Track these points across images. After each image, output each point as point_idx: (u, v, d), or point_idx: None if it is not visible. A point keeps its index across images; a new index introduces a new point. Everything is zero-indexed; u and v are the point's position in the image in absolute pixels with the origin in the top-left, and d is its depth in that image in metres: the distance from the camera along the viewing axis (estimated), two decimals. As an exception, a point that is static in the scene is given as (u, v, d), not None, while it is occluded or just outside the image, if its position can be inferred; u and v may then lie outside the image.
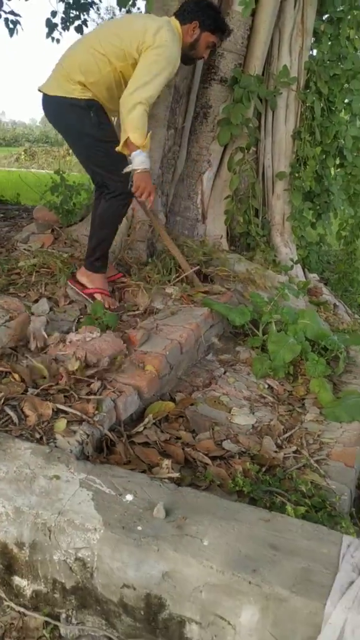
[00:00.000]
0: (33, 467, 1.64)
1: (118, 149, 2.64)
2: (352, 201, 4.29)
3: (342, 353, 2.86)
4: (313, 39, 3.78)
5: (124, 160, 2.65)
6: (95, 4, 8.07)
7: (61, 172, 3.75)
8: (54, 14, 7.09)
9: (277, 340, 2.67)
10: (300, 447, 2.14)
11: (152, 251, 3.38)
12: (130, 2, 4.94)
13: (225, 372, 2.74)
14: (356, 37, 3.82)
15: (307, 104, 3.68)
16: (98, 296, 2.79)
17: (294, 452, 2.11)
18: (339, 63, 3.78)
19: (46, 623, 1.55)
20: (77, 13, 7.60)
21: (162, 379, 2.37)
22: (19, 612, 1.58)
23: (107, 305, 2.73)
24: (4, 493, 1.55)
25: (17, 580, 1.59)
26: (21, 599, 1.60)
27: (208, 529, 1.46)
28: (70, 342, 2.33)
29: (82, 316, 2.72)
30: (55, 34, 7.20)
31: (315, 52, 3.79)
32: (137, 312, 2.84)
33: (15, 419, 1.86)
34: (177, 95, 3.31)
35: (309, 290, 3.80)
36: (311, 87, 3.69)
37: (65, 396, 2.02)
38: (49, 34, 7.14)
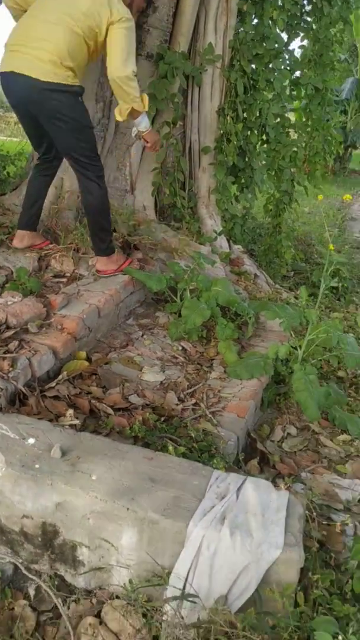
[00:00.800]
0: None
1: (120, 119, 2.83)
2: (277, 176, 4.51)
3: (250, 318, 3.09)
4: (238, 19, 3.91)
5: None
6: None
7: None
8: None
9: (190, 306, 2.88)
10: (200, 401, 2.38)
11: (80, 220, 3.51)
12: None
13: (142, 335, 2.94)
14: (279, 18, 3.97)
15: (231, 82, 3.83)
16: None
17: (194, 404, 2.34)
18: (263, 42, 3.94)
19: None
20: None
21: (79, 341, 2.55)
22: None
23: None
24: None
25: None
26: None
27: (97, 466, 1.67)
28: (-8, 305, 2.48)
29: (7, 282, 2.85)
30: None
31: (239, 31, 3.92)
32: (61, 279, 2.99)
33: None
34: (105, 69, 3.40)
35: (231, 261, 4.02)
36: (235, 65, 3.84)
37: (-18, 355, 2.18)
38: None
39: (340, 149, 13.89)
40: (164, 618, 1.42)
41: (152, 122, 3.80)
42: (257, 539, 1.46)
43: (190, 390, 2.47)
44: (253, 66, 3.89)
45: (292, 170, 4.46)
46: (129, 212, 3.71)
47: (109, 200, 2.98)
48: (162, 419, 2.17)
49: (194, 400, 2.38)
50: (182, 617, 1.39)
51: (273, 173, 4.45)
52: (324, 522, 1.89)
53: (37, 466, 1.65)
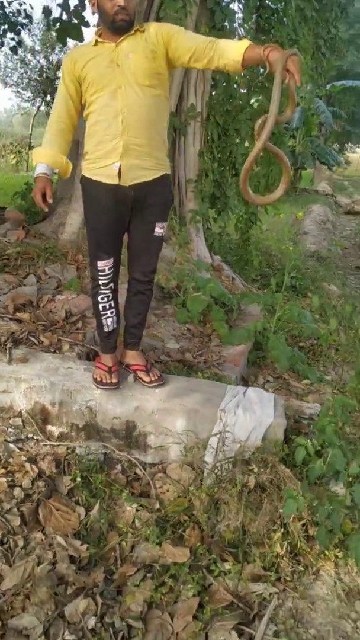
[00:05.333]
0: (55, 364, 2.76)
1: None
2: (244, 201, 5.57)
3: (235, 306, 4.12)
4: (212, 83, 4.98)
5: None
6: (26, 25, 8.76)
7: (29, 181, 4.77)
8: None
9: (193, 298, 3.89)
10: (207, 358, 3.38)
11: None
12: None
13: (158, 321, 3.93)
14: (241, 81, 5.06)
15: (208, 131, 4.89)
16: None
17: (204, 360, 3.34)
18: (230, 100, 5.01)
19: (67, 449, 2.68)
20: (6, 27, 8.08)
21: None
22: (51, 445, 2.70)
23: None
24: (43, 375, 2.66)
25: (49, 427, 2.70)
26: (51, 439, 2.71)
27: (165, 384, 2.65)
28: (57, 300, 3.44)
29: (58, 287, 3.80)
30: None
31: (213, 93, 5.00)
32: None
33: (37, 342, 2.96)
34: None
35: (214, 268, 5.04)
36: (211, 119, 4.90)
37: (62, 332, 3.14)
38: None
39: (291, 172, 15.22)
40: (205, 459, 2.40)
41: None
42: (258, 413, 2.47)
43: (199, 352, 3.47)
44: (225, 119, 4.96)
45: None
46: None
47: None
48: (185, 367, 3.16)
49: (203, 358, 3.38)
50: (222, 451, 2.37)
51: (241, 199, 5.51)
52: (295, 421, 2.90)
53: (121, 387, 2.63)
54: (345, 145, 26.39)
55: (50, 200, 2.38)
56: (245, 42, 2.15)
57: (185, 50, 2.23)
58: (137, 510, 2.36)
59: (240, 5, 5.14)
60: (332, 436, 2.40)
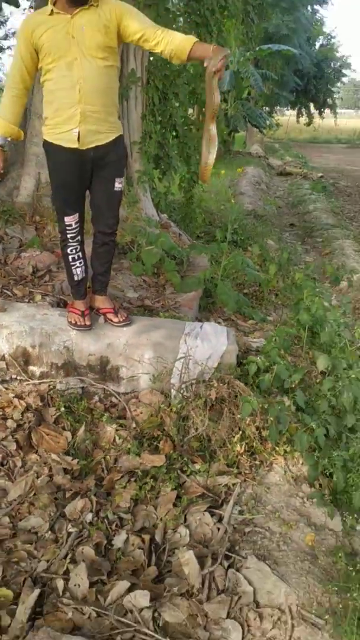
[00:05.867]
0: (31, 312, 3.04)
1: None
2: (186, 161, 5.88)
3: (185, 258, 4.48)
4: (150, 49, 5.18)
5: None
6: None
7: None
8: None
9: (147, 251, 4.21)
10: (164, 303, 3.74)
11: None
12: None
13: (116, 274, 4.23)
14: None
15: (149, 96, 5.13)
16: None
17: (161, 305, 3.70)
18: (168, 65, 5.25)
19: (49, 386, 2.99)
20: None
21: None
22: (34, 384, 3.00)
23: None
24: (22, 322, 2.94)
25: (31, 368, 2.99)
26: (34, 378, 3.01)
27: (132, 324, 2.99)
28: (23, 257, 3.68)
29: (21, 246, 4.02)
30: None
31: (151, 59, 5.22)
32: (56, 241, 4.21)
33: (11, 295, 3.22)
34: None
35: (162, 225, 5.36)
36: (151, 83, 5.13)
37: (32, 285, 3.41)
38: None
39: (225, 134, 15.44)
40: (172, 381, 2.79)
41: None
42: (213, 342, 2.87)
43: (156, 299, 3.82)
44: (163, 83, 5.20)
45: (196, 157, 5.86)
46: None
47: None
48: (146, 311, 3.51)
49: (160, 304, 3.74)
50: (186, 373, 2.76)
51: (183, 159, 5.82)
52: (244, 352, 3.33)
53: (93, 328, 2.95)
54: (275, 108, 26.91)
55: (1, 170, 2.65)
56: (193, 38, 2.44)
57: (135, 29, 2.47)
58: (116, 430, 2.73)
59: (173, -27, 5.33)
60: (277, 357, 2.84)
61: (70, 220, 2.81)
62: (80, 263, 2.96)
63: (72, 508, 2.33)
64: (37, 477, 2.47)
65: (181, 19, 5.65)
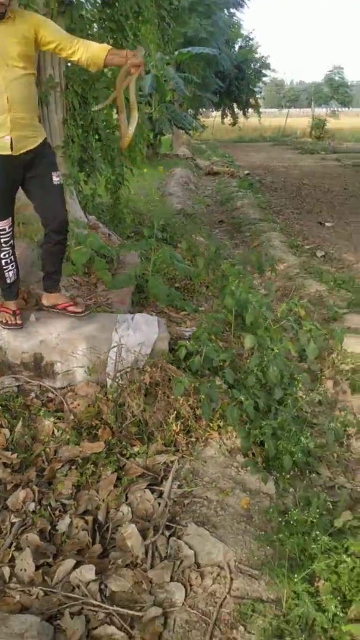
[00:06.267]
0: None
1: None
2: (110, 163, 5.97)
3: (114, 257, 4.57)
4: (66, 53, 5.25)
5: None
6: None
7: None
8: None
9: (76, 251, 4.27)
10: (97, 300, 3.81)
11: None
12: None
13: (46, 276, 4.27)
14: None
15: (69, 100, 5.19)
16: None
17: (94, 302, 3.77)
18: (86, 70, 5.32)
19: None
20: None
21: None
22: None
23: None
24: None
25: (-36, 371, 3.01)
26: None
27: (57, 321, 3.06)
28: None
29: None
30: None
31: (69, 64, 5.28)
32: None
33: None
34: None
35: (90, 226, 5.42)
36: (70, 88, 5.19)
37: None
38: None
39: (150, 138, 15.56)
40: (107, 370, 2.88)
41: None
42: (145, 330, 2.98)
43: (88, 297, 3.89)
44: (83, 87, 5.27)
45: (120, 159, 5.96)
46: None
47: None
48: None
49: (93, 301, 3.81)
50: (120, 362, 2.86)
51: (107, 162, 5.90)
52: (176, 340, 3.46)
53: (25, 326, 3.00)
54: (200, 110, 27.36)
55: None
56: (107, 46, 2.66)
57: (52, 39, 2.64)
58: (55, 423, 2.79)
59: (85, -21, 5.40)
60: (206, 340, 2.99)
61: (4, 224, 2.88)
62: (12, 266, 3.02)
63: (14, 499, 2.38)
64: (-23, 474, 2.50)
65: (95, 25, 5.73)
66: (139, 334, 2.97)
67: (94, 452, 2.61)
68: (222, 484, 2.50)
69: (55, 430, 2.76)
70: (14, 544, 2.17)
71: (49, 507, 2.37)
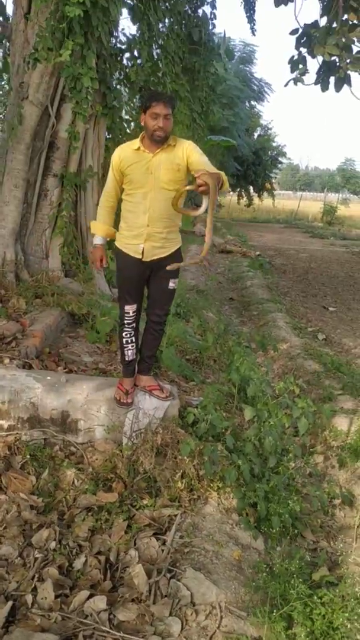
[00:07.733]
0: (2, 372, 3.50)
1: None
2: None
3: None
4: (105, 148, 6.00)
5: None
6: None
7: None
8: None
9: (101, 321, 4.77)
10: (116, 367, 4.26)
11: (18, 278, 5.23)
12: None
13: (73, 341, 4.75)
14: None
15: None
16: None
17: (114, 368, 4.22)
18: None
19: (15, 437, 3.41)
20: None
21: (43, 342, 4.31)
22: (1, 436, 3.41)
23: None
24: (-6, 381, 3.40)
25: (0, 422, 3.43)
26: (1, 431, 3.43)
27: (83, 383, 3.50)
28: (-8, 326, 4.17)
29: (-13, 316, 4.50)
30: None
31: (105, 157, 6.01)
32: (20, 312, 4.72)
33: (-18, 358, 3.68)
34: (29, 185, 5.29)
35: (114, 299, 5.96)
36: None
37: (0, 349, 3.88)
38: None
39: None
40: (124, 430, 3.28)
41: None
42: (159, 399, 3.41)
43: (109, 363, 4.34)
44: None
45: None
46: (46, 273, 5.52)
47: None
48: (100, 373, 4.02)
49: (113, 367, 4.26)
50: (136, 423, 3.26)
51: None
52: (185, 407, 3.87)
53: (56, 386, 3.44)
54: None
55: (105, 265, 3.41)
56: (210, 168, 2.82)
57: (195, 167, 2.91)
58: (75, 474, 3.17)
59: (126, 89, 6.21)
60: (212, 409, 3.41)
61: (129, 308, 3.33)
62: (132, 346, 3.42)
63: (38, 537, 2.74)
64: (7, 513, 2.87)
65: (133, 123, 6.54)
66: (154, 399, 3.40)
67: (109, 502, 2.98)
68: (218, 537, 2.84)
69: (76, 480, 3.14)
70: (37, 576, 2.51)
71: (67, 546, 2.72)
